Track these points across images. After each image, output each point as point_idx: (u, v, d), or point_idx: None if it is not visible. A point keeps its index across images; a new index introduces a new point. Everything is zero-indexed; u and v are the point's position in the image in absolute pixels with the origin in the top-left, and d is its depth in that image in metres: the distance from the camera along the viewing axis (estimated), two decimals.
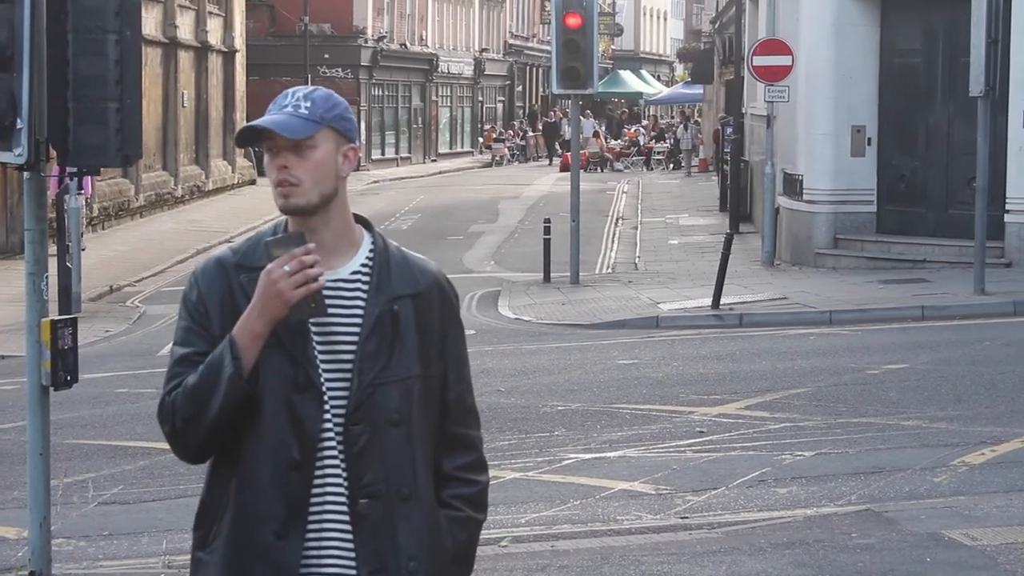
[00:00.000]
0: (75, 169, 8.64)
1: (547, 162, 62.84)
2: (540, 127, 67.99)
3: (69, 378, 8.37)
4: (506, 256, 30.69)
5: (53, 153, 8.21)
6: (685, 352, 17.15)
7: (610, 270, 27.63)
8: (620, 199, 42.70)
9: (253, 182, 47.42)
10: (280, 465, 3.65)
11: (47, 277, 8.47)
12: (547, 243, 25.17)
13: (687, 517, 9.82)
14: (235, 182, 45.93)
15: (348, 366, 3.69)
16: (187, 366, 3.70)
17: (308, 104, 3.70)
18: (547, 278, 25.05)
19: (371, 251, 3.79)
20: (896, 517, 9.39)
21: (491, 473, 4.02)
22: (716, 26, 50.70)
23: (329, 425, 3.68)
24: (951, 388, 13.73)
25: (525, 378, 15.30)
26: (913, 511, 9.54)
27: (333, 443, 3.68)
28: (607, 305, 21.95)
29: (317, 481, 3.67)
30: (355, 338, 3.70)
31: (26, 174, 8.21)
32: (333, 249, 3.73)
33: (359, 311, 3.71)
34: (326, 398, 3.68)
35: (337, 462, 3.68)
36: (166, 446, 11.57)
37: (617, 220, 36.68)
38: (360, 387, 3.68)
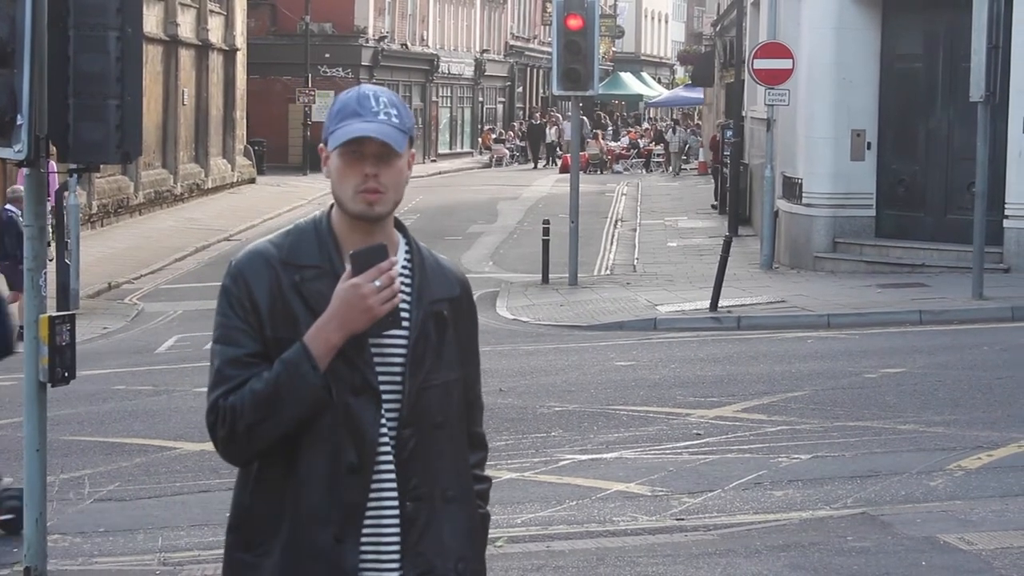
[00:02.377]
0: (74, 166, 8.65)
1: (532, 166, 62.07)
2: (524, 130, 67.44)
3: (67, 374, 8.37)
4: (505, 257, 30.71)
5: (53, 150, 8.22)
6: (683, 354, 17.16)
7: (608, 272, 27.63)
8: (619, 201, 42.71)
9: (253, 181, 47.43)
10: (338, 469, 3.63)
11: (46, 273, 8.48)
12: (546, 244, 25.19)
13: (683, 519, 9.82)
14: (234, 180, 45.94)
15: (397, 369, 3.69)
16: (240, 368, 3.64)
17: (395, 112, 3.68)
18: (545, 279, 25.06)
19: (407, 253, 3.79)
20: (892, 521, 9.40)
21: (487, 473, 4.07)
22: (717, 29, 50.72)
23: (384, 429, 3.67)
24: (948, 392, 13.74)
25: (522, 379, 15.30)
26: (909, 515, 9.55)
27: (388, 447, 3.67)
28: (605, 307, 21.96)
29: (374, 485, 3.66)
30: (403, 341, 3.69)
31: (25, 170, 8.22)
32: None
33: (404, 314, 3.70)
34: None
35: (391, 465, 3.67)
36: (163, 443, 11.51)
37: (616, 222, 36.70)
38: (412, 391, 3.68)
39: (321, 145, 3.77)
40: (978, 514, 9.51)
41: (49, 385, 8.40)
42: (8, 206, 20.33)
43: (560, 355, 17.36)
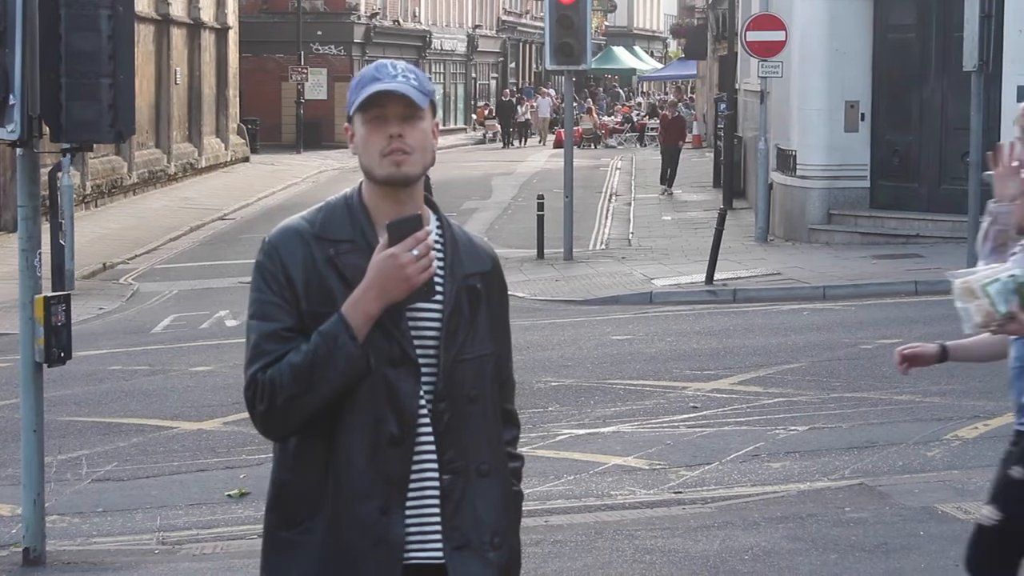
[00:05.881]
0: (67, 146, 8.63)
1: (502, 144, 60.08)
2: (494, 108, 65.82)
3: (63, 355, 8.38)
4: (500, 232, 30.66)
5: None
6: (679, 328, 17.16)
7: (604, 246, 27.61)
8: (614, 175, 42.67)
9: (246, 159, 47.34)
10: (379, 441, 3.63)
11: (40, 254, 8.47)
12: (541, 219, 25.16)
13: (681, 492, 9.83)
14: (228, 159, 45.85)
15: (431, 342, 3.69)
16: (277, 343, 3.63)
17: (414, 77, 3.70)
18: (541, 254, 25.04)
19: (439, 228, 3.80)
20: (889, 491, 9.41)
21: (520, 451, 4.07)
22: (710, 2, 50.64)
23: (423, 401, 3.68)
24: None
25: (518, 354, 15.20)
26: (906, 485, 9.56)
27: (427, 419, 3.68)
28: (601, 281, 21.96)
29: (416, 457, 3.67)
30: (437, 315, 3.70)
31: (19, 151, 8.20)
32: None
33: (438, 287, 3.71)
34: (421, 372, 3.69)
35: (431, 437, 3.68)
36: (160, 423, 11.50)
37: (611, 196, 36.65)
38: (447, 364, 3.69)
39: (346, 124, 3.77)
40: (975, 483, 9.50)
41: (45, 366, 8.40)
42: None
43: (556, 330, 17.36)
